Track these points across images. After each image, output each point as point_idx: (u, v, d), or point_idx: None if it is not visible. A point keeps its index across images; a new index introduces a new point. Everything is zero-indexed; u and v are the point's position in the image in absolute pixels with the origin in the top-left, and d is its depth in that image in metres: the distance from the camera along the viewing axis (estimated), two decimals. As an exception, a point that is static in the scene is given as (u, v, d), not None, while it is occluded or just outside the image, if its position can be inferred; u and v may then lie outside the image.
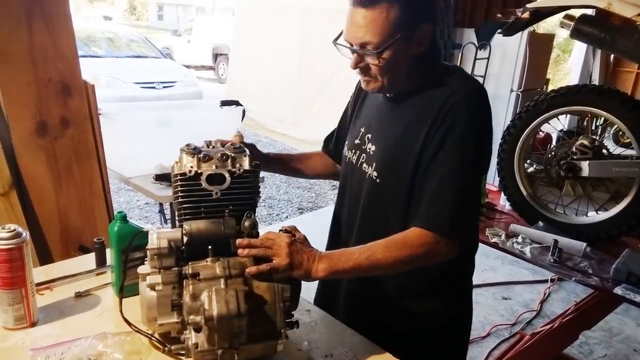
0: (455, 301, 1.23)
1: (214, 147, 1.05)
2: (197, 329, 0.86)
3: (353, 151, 1.22)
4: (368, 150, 1.17)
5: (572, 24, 2.22)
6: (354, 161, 1.21)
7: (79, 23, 6.96)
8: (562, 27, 2.32)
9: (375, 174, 1.13)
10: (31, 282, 1.04)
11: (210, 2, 29.88)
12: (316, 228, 1.39)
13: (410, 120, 1.09)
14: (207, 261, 0.91)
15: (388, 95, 1.15)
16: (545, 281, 3.38)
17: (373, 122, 1.19)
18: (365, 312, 1.22)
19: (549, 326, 2.31)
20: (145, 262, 0.94)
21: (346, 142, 1.28)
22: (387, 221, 1.12)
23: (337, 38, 1.09)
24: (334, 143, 1.40)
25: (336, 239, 1.31)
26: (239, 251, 0.93)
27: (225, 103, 3.18)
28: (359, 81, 1.30)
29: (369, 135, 1.18)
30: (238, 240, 0.93)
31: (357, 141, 1.21)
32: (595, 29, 2.17)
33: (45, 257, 1.80)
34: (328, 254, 1.00)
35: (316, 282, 1.16)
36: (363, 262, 0.99)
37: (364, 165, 1.17)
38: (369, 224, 1.17)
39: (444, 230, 1.02)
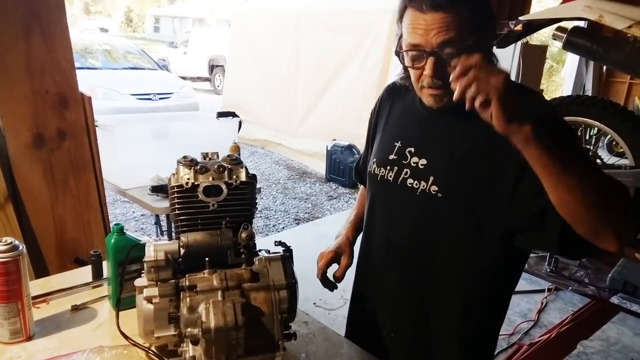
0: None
1: (210, 158, 1.06)
2: (195, 342, 0.85)
3: (388, 168, 1.14)
4: (414, 165, 1.09)
5: (565, 35, 2.25)
6: (389, 178, 1.13)
7: (75, 35, 7.00)
8: (555, 39, 2.36)
9: (435, 188, 1.05)
10: (27, 295, 1.03)
11: (208, 13, 30.06)
12: (312, 239, 1.40)
13: (487, 149, 1.00)
14: (204, 273, 0.90)
15: (435, 107, 1.05)
16: (542, 291, 3.38)
17: (414, 136, 1.12)
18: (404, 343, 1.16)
19: (546, 336, 2.31)
20: (142, 275, 0.94)
21: (373, 160, 1.20)
22: (447, 235, 1.07)
23: (398, 48, 1.03)
24: (363, 167, 1.33)
25: (370, 265, 1.21)
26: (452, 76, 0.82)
27: (221, 114, 3.20)
28: (379, 99, 1.27)
29: (411, 149, 1.11)
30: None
31: (392, 157, 1.14)
32: (588, 41, 2.20)
33: (40, 270, 1.79)
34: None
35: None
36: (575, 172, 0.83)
37: (409, 180, 1.09)
38: (423, 240, 1.10)
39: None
